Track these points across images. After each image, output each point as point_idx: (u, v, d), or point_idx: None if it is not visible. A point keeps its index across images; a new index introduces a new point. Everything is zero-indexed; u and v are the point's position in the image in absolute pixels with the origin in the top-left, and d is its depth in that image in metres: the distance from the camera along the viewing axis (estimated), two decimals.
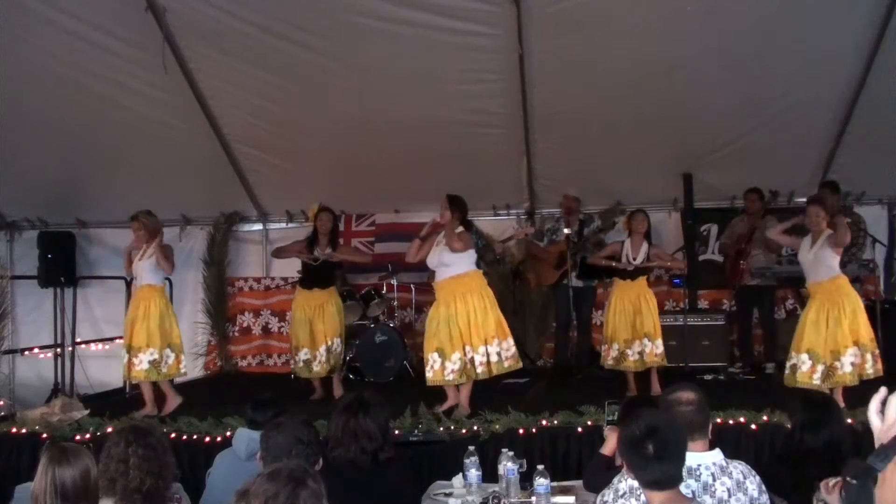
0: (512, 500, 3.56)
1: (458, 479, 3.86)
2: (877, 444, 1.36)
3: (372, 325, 7.60)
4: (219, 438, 5.07)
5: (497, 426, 5.00)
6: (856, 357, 5.24)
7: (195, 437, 5.20)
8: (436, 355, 5.43)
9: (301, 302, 6.53)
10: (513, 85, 6.56)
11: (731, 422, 4.88)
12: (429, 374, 5.49)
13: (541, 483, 3.44)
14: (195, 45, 6.33)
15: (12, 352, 8.46)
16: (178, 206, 8.34)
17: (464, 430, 5.01)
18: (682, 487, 2.53)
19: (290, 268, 7.26)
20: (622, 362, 6.21)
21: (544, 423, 5.05)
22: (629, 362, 6.18)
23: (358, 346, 7.43)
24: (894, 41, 5.99)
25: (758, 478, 2.84)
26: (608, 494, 2.79)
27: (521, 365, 5.72)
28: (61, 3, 5.88)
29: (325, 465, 3.20)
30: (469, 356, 5.40)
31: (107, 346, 8.22)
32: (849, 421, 4.14)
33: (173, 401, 5.98)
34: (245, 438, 3.72)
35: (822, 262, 5.36)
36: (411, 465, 4.22)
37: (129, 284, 7.74)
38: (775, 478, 3.13)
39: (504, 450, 3.89)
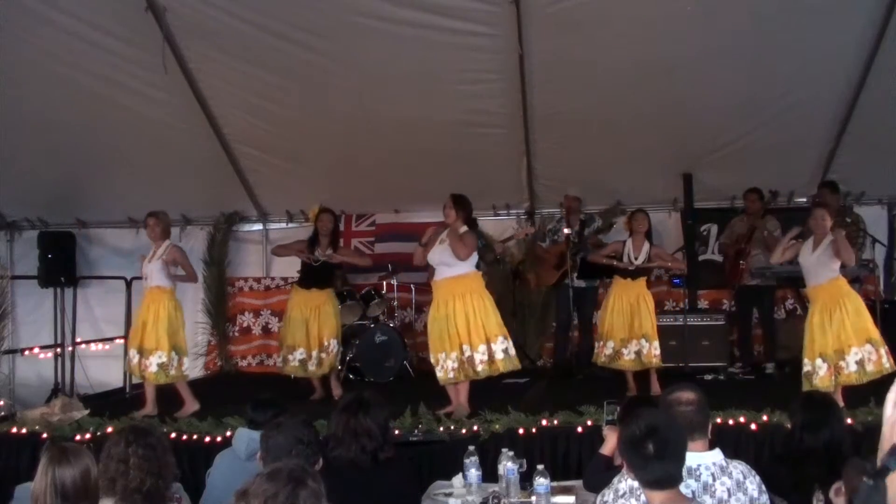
0: (512, 500, 3.56)
1: (458, 479, 3.86)
2: (884, 436, 1.33)
3: (372, 325, 7.60)
4: (219, 438, 5.07)
5: (497, 426, 5.00)
6: (871, 354, 5.24)
7: (195, 437, 5.20)
8: (442, 356, 5.46)
9: (298, 301, 6.53)
10: (513, 85, 6.56)
11: (731, 422, 4.87)
12: (439, 374, 5.52)
13: (541, 483, 3.44)
14: (195, 45, 6.32)
15: (12, 352, 8.46)
16: (178, 206, 8.32)
17: (464, 430, 5.01)
18: (682, 487, 2.53)
19: (290, 268, 7.26)
20: (616, 360, 6.22)
21: (544, 423, 5.05)
22: (624, 361, 6.19)
23: (358, 346, 7.43)
24: (894, 41, 5.98)
25: (758, 478, 2.84)
26: (608, 494, 2.79)
27: (520, 365, 5.73)
28: (61, 3, 5.88)
29: (325, 464, 3.19)
30: (467, 355, 5.40)
31: (107, 346, 8.22)
32: (849, 421, 4.13)
33: (191, 405, 5.90)
34: (245, 438, 3.73)
35: (823, 265, 5.39)
36: (411, 464, 4.22)
37: (129, 284, 7.76)
38: (775, 478, 3.14)
39: (504, 450, 3.89)
